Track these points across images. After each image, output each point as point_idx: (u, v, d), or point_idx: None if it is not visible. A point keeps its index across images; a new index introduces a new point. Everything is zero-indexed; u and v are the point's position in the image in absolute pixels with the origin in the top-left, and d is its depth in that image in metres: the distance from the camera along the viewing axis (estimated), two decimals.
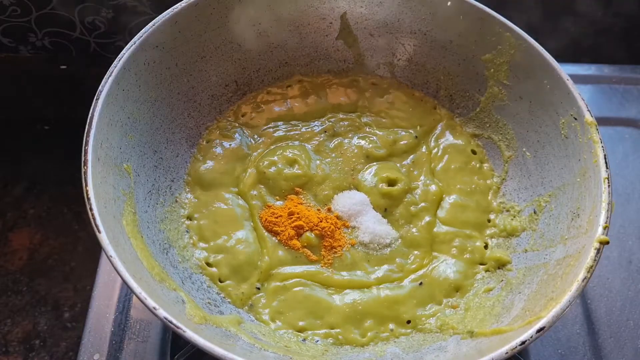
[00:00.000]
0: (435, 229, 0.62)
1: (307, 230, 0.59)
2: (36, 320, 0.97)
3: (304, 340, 0.55)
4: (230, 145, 0.65)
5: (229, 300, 0.56)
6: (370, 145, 0.66)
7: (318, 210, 0.61)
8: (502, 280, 0.58)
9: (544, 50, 0.59)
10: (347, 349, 0.54)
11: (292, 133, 0.66)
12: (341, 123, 0.67)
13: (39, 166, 1.11)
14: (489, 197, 0.64)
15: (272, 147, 0.65)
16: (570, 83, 0.57)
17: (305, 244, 0.59)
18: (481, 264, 0.60)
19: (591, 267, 0.48)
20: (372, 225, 0.60)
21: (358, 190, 0.63)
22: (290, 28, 0.67)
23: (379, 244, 0.60)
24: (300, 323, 0.55)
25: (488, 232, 0.62)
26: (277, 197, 0.62)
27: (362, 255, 0.59)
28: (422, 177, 0.65)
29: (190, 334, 0.43)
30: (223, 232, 0.59)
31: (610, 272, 0.68)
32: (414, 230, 0.61)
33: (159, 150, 0.60)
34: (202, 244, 0.59)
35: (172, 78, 0.61)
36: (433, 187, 0.64)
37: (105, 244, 0.45)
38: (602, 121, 0.62)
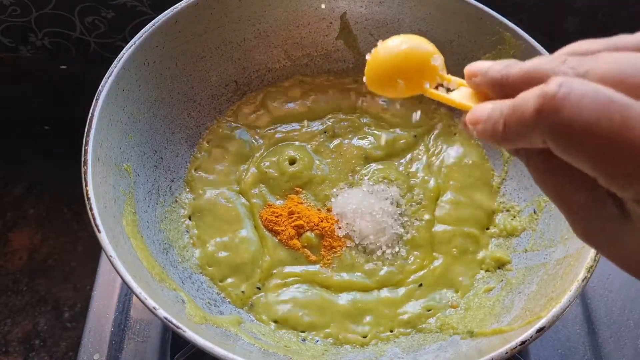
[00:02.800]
0: (434, 229, 0.62)
1: (307, 230, 0.59)
2: (36, 320, 0.97)
3: (304, 340, 0.55)
4: (230, 145, 0.65)
5: (229, 300, 0.56)
6: (369, 145, 0.66)
7: (318, 210, 0.61)
8: (502, 280, 0.58)
9: (544, 50, 0.59)
10: (347, 348, 0.54)
11: (292, 134, 0.66)
12: (341, 124, 0.68)
13: (39, 166, 1.11)
14: (489, 197, 0.64)
15: (273, 147, 0.65)
16: None
17: (305, 244, 0.59)
18: (481, 264, 0.60)
19: (591, 267, 0.48)
20: (372, 224, 0.60)
21: (357, 190, 0.63)
22: (290, 28, 0.67)
23: (379, 244, 0.60)
24: (300, 322, 0.55)
25: (488, 231, 0.62)
26: (278, 197, 0.62)
27: (362, 255, 0.59)
28: (420, 174, 0.65)
29: (190, 334, 0.43)
30: (224, 231, 0.59)
31: (610, 272, 0.68)
32: (413, 230, 0.61)
33: (159, 150, 0.60)
34: (202, 244, 0.59)
35: (172, 78, 0.61)
36: (432, 184, 0.64)
37: (105, 244, 0.45)
38: None
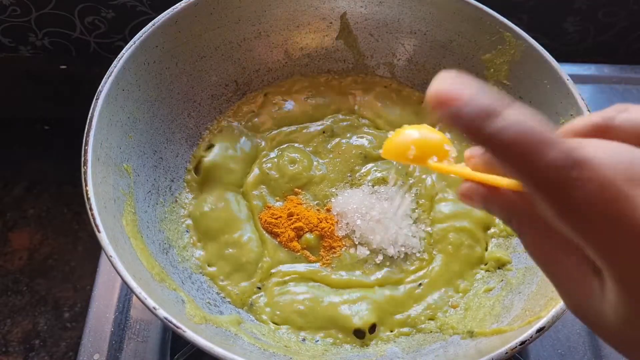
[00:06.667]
0: (433, 228, 0.62)
1: (307, 232, 0.59)
2: (36, 320, 0.97)
3: (304, 340, 0.55)
4: (230, 145, 0.65)
5: (229, 300, 0.56)
6: (369, 145, 0.66)
7: (317, 210, 0.61)
8: (502, 280, 0.58)
9: (544, 50, 0.59)
10: (347, 348, 0.54)
11: (292, 136, 0.66)
12: (340, 124, 0.68)
13: (39, 166, 1.11)
14: None
15: (274, 148, 0.65)
16: (570, 83, 0.57)
17: (305, 246, 0.59)
18: (481, 264, 0.60)
19: None
20: (372, 224, 0.60)
21: (356, 190, 0.63)
22: (290, 28, 0.67)
23: (379, 244, 0.60)
24: (300, 322, 0.55)
25: (488, 231, 0.62)
26: (277, 198, 0.62)
27: (362, 255, 0.59)
28: (416, 174, 0.65)
29: (190, 334, 0.43)
30: (224, 232, 0.59)
31: None
32: (412, 230, 0.61)
33: (159, 150, 0.60)
34: (202, 244, 0.59)
35: (172, 78, 0.61)
36: (429, 183, 0.64)
37: (105, 243, 0.45)
38: None
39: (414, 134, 0.36)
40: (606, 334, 0.25)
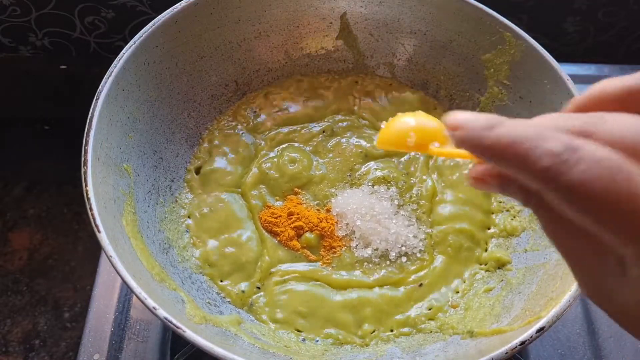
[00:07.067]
0: (433, 228, 0.62)
1: (307, 231, 0.59)
2: (36, 320, 0.97)
3: (304, 340, 0.55)
4: (230, 145, 0.65)
5: (229, 300, 0.56)
6: (369, 144, 0.66)
7: (317, 210, 0.61)
8: (502, 280, 0.58)
9: (544, 50, 0.59)
10: (347, 348, 0.54)
11: (292, 135, 0.66)
12: (340, 124, 0.68)
13: (39, 166, 1.11)
14: (486, 196, 0.64)
15: (274, 148, 0.65)
16: (570, 83, 0.57)
17: (305, 245, 0.59)
18: (481, 264, 0.60)
19: None
20: (372, 224, 0.60)
21: (356, 190, 0.63)
22: (290, 28, 0.67)
23: (379, 244, 0.59)
24: (300, 322, 0.55)
25: (488, 232, 0.62)
26: (277, 198, 0.62)
27: (362, 255, 0.59)
28: (418, 174, 0.65)
29: (190, 334, 0.43)
30: (224, 232, 0.59)
31: None
32: (413, 230, 0.61)
33: (159, 150, 0.60)
34: (202, 244, 0.59)
35: (172, 78, 0.61)
36: (429, 183, 0.64)
37: (105, 243, 0.45)
38: None
39: (412, 121, 0.36)
40: (618, 312, 0.24)
